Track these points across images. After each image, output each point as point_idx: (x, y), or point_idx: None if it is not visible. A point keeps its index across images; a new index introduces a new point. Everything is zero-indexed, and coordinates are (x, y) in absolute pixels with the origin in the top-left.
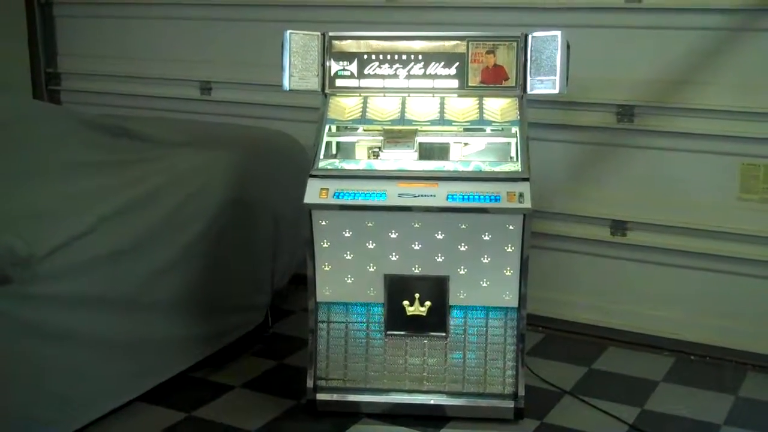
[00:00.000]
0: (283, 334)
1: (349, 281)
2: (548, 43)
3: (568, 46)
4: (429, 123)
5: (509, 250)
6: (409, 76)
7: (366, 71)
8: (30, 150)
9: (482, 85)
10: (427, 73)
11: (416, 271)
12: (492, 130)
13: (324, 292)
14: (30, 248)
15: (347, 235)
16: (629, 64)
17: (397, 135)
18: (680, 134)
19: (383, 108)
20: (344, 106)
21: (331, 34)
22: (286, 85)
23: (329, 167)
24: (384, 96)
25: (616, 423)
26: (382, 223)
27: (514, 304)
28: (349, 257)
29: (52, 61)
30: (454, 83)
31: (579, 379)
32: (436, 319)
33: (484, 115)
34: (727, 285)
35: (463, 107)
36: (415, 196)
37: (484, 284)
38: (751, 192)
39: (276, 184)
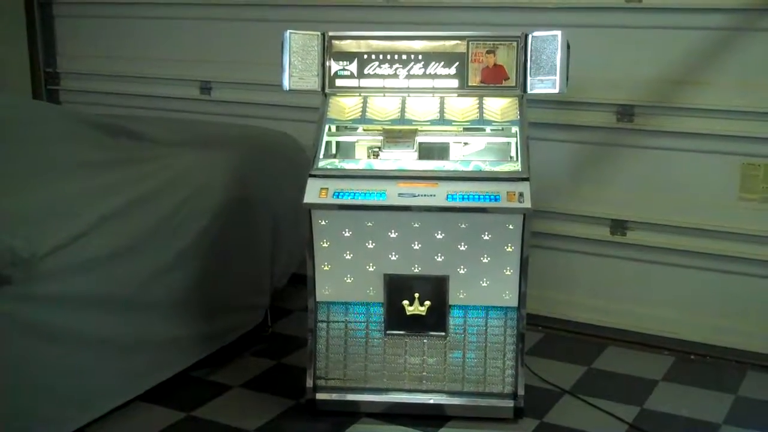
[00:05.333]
0: (283, 334)
1: (348, 281)
2: (548, 42)
3: (568, 46)
4: (429, 123)
5: (509, 249)
6: (409, 76)
7: (366, 71)
8: (29, 150)
9: (482, 84)
10: (427, 72)
11: (416, 270)
12: (492, 129)
13: (323, 291)
14: (30, 248)
15: (347, 234)
16: (629, 64)
17: (396, 135)
18: (680, 134)
19: (383, 108)
20: (344, 106)
21: (331, 33)
22: (286, 85)
23: (329, 167)
24: (384, 96)
25: (615, 422)
26: (382, 222)
27: (514, 303)
28: (348, 257)
29: (51, 61)
30: (454, 83)
31: (578, 379)
32: (436, 319)
33: (484, 114)
34: (727, 284)
35: (463, 107)
36: (414, 196)
37: (484, 284)
38: (751, 191)
39: (276, 184)
